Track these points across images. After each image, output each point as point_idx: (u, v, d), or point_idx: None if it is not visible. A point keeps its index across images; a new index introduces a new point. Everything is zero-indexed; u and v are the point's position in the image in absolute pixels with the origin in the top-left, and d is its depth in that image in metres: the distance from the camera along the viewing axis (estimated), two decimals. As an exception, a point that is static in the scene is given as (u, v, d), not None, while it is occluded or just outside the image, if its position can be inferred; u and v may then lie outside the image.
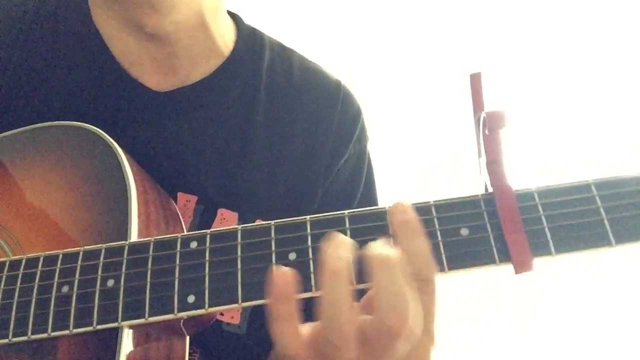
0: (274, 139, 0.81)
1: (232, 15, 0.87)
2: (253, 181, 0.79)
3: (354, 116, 0.87)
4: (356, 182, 0.87)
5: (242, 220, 0.77)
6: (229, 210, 0.77)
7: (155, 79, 0.79)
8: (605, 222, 0.50)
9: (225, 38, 0.83)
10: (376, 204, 0.89)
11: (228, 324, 0.75)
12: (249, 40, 0.85)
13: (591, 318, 2.23)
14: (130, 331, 0.55)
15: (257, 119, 0.81)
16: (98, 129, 0.64)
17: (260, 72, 0.83)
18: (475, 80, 0.52)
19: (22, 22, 0.80)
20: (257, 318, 0.75)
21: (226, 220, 0.77)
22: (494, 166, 0.50)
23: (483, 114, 0.49)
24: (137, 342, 0.56)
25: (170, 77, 0.79)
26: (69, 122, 0.66)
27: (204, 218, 0.76)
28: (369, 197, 0.88)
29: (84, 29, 0.79)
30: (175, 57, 0.78)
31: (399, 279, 0.46)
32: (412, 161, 2.50)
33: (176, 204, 0.75)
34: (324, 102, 0.85)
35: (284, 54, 0.87)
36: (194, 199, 0.76)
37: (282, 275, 0.47)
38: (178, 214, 0.70)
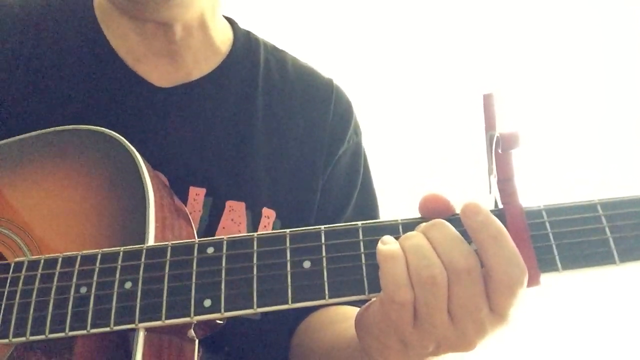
0: (273, 132, 0.86)
1: (227, 19, 0.93)
2: (256, 172, 0.82)
3: (347, 109, 0.93)
4: (355, 174, 0.92)
5: (249, 209, 0.80)
6: (235, 201, 0.80)
7: (158, 76, 0.82)
8: (610, 241, 0.52)
9: (223, 38, 0.88)
10: (375, 197, 0.95)
11: None
12: (245, 40, 0.91)
13: (590, 319, 2.25)
14: (145, 333, 0.56)
15: (257, 113, 0.85)
16: (117, 134, 0.66)
17: (258, 69, 0.88)
18: (488, 101, 0.54)
19: (27, 22, 0.81)
20: None
21: (234, 211, 0.80)
22: (505, 184, 0.52)
23: (497, 134, 0.50)
24: (151, 344, 0.57)
25: (173, 74, 0.83)
26: (88, 126, 0.67)
27: (213, 211, 0.79)
28: (368, 189, 0.94)
29: (88, 27, 0.82)
30: (178, 54, 0.82)
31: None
32: (403, 162, 2.52)
33: (187, 198, 0.77)
34: (318, 98, 0.91)
35: (277, 53, 0.93)
36: (202, 191, 0.79)
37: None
38: (188, 215, 0.72)
